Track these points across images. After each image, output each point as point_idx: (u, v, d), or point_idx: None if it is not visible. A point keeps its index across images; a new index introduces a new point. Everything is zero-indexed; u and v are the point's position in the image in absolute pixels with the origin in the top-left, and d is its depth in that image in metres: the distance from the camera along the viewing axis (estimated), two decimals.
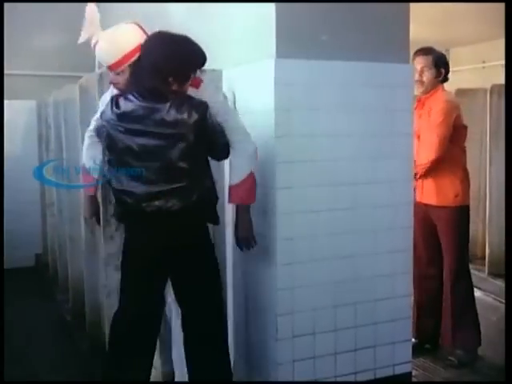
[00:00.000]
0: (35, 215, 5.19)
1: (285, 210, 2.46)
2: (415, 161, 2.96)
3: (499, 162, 4.46)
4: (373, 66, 2.60)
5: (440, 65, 3.25)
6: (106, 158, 2.33)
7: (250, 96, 2.56)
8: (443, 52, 3.40)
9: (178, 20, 3.25)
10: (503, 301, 3.40)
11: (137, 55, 2.26)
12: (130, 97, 2.22)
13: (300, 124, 2.48)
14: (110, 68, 2.31)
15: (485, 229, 4.94)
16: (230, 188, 2.35)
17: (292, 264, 2.50)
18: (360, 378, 2.67)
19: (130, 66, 2.28)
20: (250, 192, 2.35)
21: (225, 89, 2.66)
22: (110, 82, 2.38)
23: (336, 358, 2.62)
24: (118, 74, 2.31)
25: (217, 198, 2.36)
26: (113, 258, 2.67)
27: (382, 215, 2.67)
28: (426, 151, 3.13)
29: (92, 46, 2.33)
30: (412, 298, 2.90)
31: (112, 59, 2.28)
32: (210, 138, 2.25)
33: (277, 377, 2.51)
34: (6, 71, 4.64)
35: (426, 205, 3.22)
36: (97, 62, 5.35)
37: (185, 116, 2.16)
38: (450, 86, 3.47)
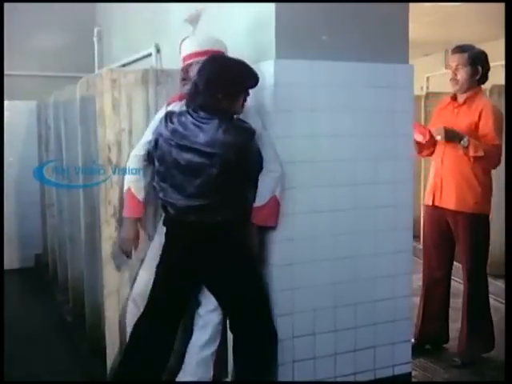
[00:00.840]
0: (35, 216, 5.17)
1: (285, 211, 2.46)
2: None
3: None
4: (372, 67, 2.60)
5: (477, 62, 3.08)
6: (156, 169, 2.43)
7: (251, 97, 2.56)
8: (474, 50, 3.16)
9: (178, 20, 3.24)
10: (504, 301, 3.39)
11: (190, 61, 2.49)
12: (183, 114, 2.34)
13: (300, 125, 2.48)
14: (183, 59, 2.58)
15: None
16: (253, 209, 2.41)
17: (292, 264, 2.50)
18: (360, 378, 2.68)
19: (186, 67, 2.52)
20: (271, 214, 2.41)
21: None
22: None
23: (336, 358, 2.62)
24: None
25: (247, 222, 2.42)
26: (113, 258, 2.67)
27: (383, 216, 2.67)
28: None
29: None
30: (415, 299, 2.88)
31: (182, 53, 2.59)
32: (250, 163, 2.34)
33: (277, 377, 2.51)
34: (6, 72, 4.63)
35: (443, 209, 3.16)
36: (96, 63, 5.36)
37: (230, 138, 2.24)
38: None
